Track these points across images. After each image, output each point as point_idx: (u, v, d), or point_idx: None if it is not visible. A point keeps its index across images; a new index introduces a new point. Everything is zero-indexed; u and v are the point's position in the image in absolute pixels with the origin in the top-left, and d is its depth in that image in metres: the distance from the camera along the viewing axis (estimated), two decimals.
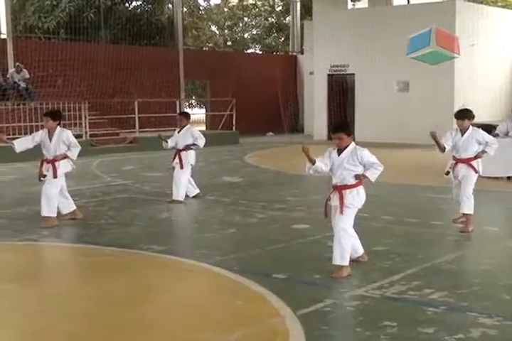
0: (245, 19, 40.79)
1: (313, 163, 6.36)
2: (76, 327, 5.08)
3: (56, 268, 6.87)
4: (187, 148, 10.94)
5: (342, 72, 25.08)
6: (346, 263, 6.32)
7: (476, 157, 8.37)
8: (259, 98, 28.97)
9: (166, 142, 10.98)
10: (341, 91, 25.42)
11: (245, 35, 40.71)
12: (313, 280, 6.23)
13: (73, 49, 23.33)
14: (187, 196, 10.91)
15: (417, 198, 11.35)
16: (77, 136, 20.16)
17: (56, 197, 8.93)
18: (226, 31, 40.49)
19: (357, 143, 6.53)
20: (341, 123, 7.16)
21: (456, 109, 22.40)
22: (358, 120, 24.67)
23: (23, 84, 20.79)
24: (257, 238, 8.19)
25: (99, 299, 5.78)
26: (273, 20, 40.40)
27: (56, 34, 25.60)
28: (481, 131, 8.51)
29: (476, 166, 8.35)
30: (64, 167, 9.03)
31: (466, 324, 5.02)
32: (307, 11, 31.58)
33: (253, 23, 40.52)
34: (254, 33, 40.38)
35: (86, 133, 20.11)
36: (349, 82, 25.14)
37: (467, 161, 8.34)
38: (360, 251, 6.71)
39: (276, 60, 31.52)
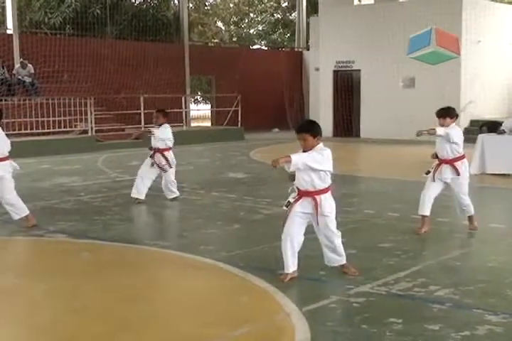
0: (251, 15, 40.79)
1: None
2: (81, 322, 5.07)
3: (61, 264, 6.87)
4: (167, 148, 10.47)
5: (348, 69, 25.05)
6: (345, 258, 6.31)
7: (460, 158, 7.98)
8: (265, 94, 28.97)
9: (151, 132, 10.49)
10: (347, 88, 25.39)
11: (251, 31, 40.69)
12: (319, 276, 6.22)
13: (79, 45, 23.37)
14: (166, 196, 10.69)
15: None
16: (82, 132, 20.46)
17: (14, 195, 8.57)
18: (232, 27, 40.51)
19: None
20: (307, 122, 6.32)
21: (462, 105, 22.39)
22: (364, 116, 24.64)
23: (28, 80, 20.82)
24: (262, 234, 8.18)
25: (105, 294, 5.78)
26: (279, 16, 40.39)
27: (62, 30, 25.61)
28: (455, 129, 7.98)
29: (460, 168, 7.96)
30: (2, 169, 8.46)
31: (472, 321, 5.00)
32: (313, 7, 31.55)
33: (259, 18, 40.51)
34: (260, 28, 40.37)
35: (92, 128, 20.15)
36: (355, 78, 25.10)
37: (450, 162, 7.96)
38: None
39: (281, 56, 31.51)
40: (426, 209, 8.07)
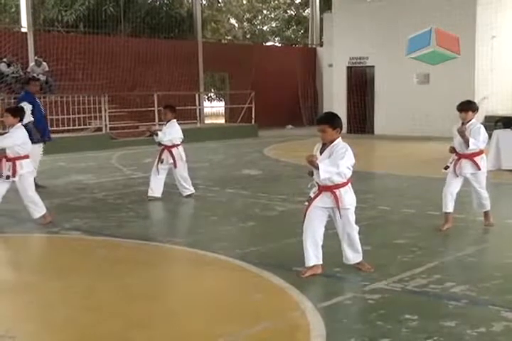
0: (264, 12, 40.74)
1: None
2: (95, 319, 5.09)
3: (76, 261, 6.90)
4: (175, 145, 10.40)
5: (361, 65, 24.96)
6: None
7: (480, 152, 7.89)
8: (279, 91, 28.92)
9: (157, 135, 10.28)
10: (361, 84, 25.30)
11: (264, 28, 40.66)
12: (334, 273, 6.20)
13: (93, 42, 23.39)
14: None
15: (438, 191, 11.20)
16: (97, 129, 20.51)
17: (35, 193, 8.57)
18: (245, 24, 40.47)
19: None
20: (327, 114, 6.35)
21: (477, 101, 22.20)
22: (378, 113, 24.56)
23: (43, 78, 20.88)
24: (277, 231, 8.17)
25: (119, 292, 5.80)
26: (292, 12, 40.35)
27: (76, 27, 25.69)
28: (478, 126, 7.88)
29: (480, 163, 7.89)
30: (26, 166, 8.44)
31: (488, 318, 4.98)
32: (326, 3, 31.45)
33: (272, 15, 40.48)
34: (274, 25, 40.34)
35: (106, 126, 20.18)
36: (368, 75, 25.01)
37: (470, 157, 7.89)
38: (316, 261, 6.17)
39: (295, 53, 31.45)
40: (449, 207, 8.04)
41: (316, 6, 33.16)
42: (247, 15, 40.35)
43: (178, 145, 10.47)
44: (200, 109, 25.59)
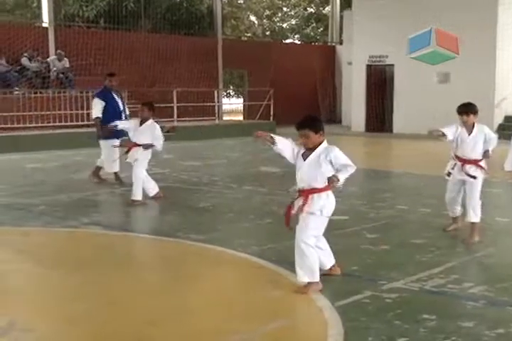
0: (284, 9, 40.72)
1: (274, 143, 5.73)
2: (111, 314, 5.12)
3: (94, 256, 6.93)
4: (146, 147, 9.92)
5: (381, 63, 24.89)
6: (314, 279, 5.57)
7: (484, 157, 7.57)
8: (297, 88, 28.89)
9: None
10: (380, 82, 25.23)
11: (284, 25, 40.63)
12: (351, 271, 6.20)
13: (113, 38, 23.49)
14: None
15: None
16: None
17: None
18: (265, 21, 40.48)
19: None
20: (307, 117, 5.80)
21: (497, 101, 22.04)
22: (397, 112, 24.48)
23: (63, 72, 21.00)
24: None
25: (137, 287, 5.81)
26: (312, 10, 40.28)
27: (96, 23, 25.80)
28: (486, 126, 7.66)
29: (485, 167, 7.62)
30: None
31: (506, 319, 4.96)
32: (346, 1, 31.39)
33: (292, 13, 40.46)
34: (293, 23, 40.31)
35: None
36: (388, 73, 24.94)
37: (475, 162, 7.61)
38: (329, 264, 5.94)
39: (314, 51, 31.41)
40: (456, 212, 8.03)
41: (336, 4, 33.09)
42: (267, 13, 40.35)
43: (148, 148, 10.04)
44: (218, 106, 25.65)
